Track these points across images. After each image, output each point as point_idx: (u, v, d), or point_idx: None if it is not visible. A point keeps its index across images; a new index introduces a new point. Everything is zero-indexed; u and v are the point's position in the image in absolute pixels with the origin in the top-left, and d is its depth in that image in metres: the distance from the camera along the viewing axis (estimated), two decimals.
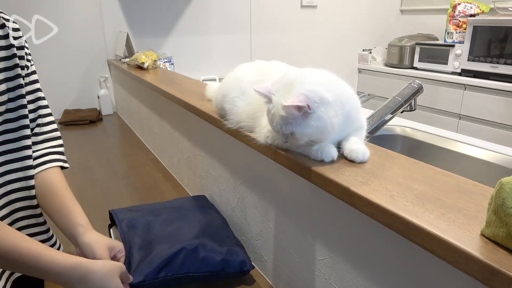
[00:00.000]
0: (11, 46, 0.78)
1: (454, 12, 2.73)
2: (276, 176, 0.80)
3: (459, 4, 2.71)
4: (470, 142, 1.29)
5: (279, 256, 0.83)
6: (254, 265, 0.89)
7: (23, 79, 0.81)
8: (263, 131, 0.75)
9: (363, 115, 0.74)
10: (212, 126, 1.01)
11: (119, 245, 0.84)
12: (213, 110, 1.00)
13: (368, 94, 1.23)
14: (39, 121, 0.87)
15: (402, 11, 3.53)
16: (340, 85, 0.68)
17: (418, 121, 1.51)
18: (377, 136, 1.45)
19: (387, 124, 1.45)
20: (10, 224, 0.80)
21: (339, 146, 0.69)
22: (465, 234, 0.44)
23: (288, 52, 3.04)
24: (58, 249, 0.92)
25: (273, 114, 0.64)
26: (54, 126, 0.91)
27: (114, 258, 0.81)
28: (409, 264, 0.52)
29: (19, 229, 0.83)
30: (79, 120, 2.20)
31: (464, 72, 2.67)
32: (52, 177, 0.84)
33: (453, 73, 2.75)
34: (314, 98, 0.61)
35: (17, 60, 0.79)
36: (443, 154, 1.33)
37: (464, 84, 2.63)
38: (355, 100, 0.71)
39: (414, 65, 3.05)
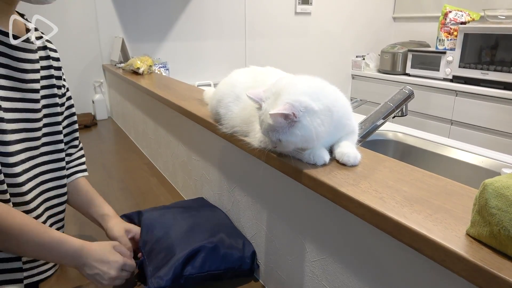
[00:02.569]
0: (50, 66, 0.92)
1: (446, 19, 2.78)
2: (269, 179, 0.81)
3: (450, 12, 2.76)
4: (461, 147, 1.31)
5: (272, 258, 0.85)
6: (258, 264, 0.91)
7: (59, 98, 0.94)
8: (257, 135, 0.76)
9: (354, 120, 0.76)
10: (207, 130, 1.02)
11: (134, 228, 0.99)
12: (208, 115, 1.01)
13: (361, 100, 1.25)
14: (73, 143, 1.04)
15: (394, 19, 3.58)
16: (329, 93, 0.68)
17: (410, 126, 1.54)
18: (370, 141, 1.48)
19: (379, 129, 1.48)
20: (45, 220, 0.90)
21: (331, 150, 0.71)
22: (452, 233, 0.46)
23: (283, 58, 3.07)
24: None
25: (262, 120, 0.66)
26: (81, 147, 1.10)
27: (132, 239, 0.97)
28: (399, 263, 0.54)
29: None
30: None
31: (456, 79, 2.71)
32: (81, 183, 1.03)
33: (444, 79, 2.80)
34: (300, 107, 0.62)
35: (54, 81, 0.92)
36: (434, 159, 1.36)
37: (455, 90, 2.67)
38: (346, 106, 0.73)
39: (407, 72, 3.09)
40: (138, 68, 1.90)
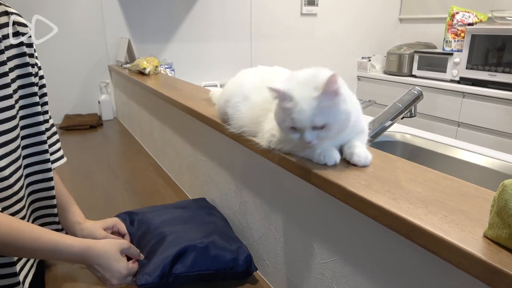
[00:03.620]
0: (21, 44, 0.82)
1: (453, 21, 2.76)
2: (278, 180, 0.80)
3: (457, 13, 2.74)
4: (470, 149, 1.30)
5: (281, 260, 0.84)
6: (256, 267, 0.90)
7: (34, 78, 0.85)
8: (265, 135, 0.76)
9: (364, 119, 0.75)
10: (214, 130, 1.01)
11: (111, 222, 0.98)
12: (215, 115, 1.00)
13: (369, 100, 1.24)
14: (46, 125, 0.91)
15: (401, 20, 3.57)
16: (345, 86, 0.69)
17: (417, 128, 1.52)
18: (378, 142, 1.46)
19: (388, 130, 1.46)
20: (30, 214, 0.88)
21: (341, 150, 0.70)
22: (468, 235, 0.44)
23: (288, 59, 3.06)
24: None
25: (300, 110, 0.61)
26: (54, 129, 0.98)
27: (114, 233, 0.97)
28: (412, 266, 0.52)
29: (37, 218, 0.91)
30: (80, 125, 2.21)
31: (463, 80, 2.69)
32: (57, 177, 0.95)
33: (451, 81, 2.78)
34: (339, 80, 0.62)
35: (27, 59, 0.83)
36: (442, 160, 1.34)
37: (462, 92, 2.65)
38: (357, 104, 0.72)
39: (413, 73, 3.07)
40: (144, 69, 1.90)
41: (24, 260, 0.83)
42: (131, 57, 2.24)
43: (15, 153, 0.79)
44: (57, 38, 2.23)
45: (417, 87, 1.19)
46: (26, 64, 0.82)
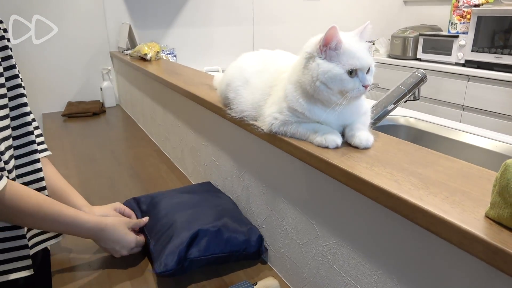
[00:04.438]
0: (2, 37, 0.79)
1: (458, 2, 2.71)
2: (280, 163, 0.80)
3: None
4: (474, 132, 1.29)
5: (283, 243, 0.84)
6: (266, 248, 0.91)
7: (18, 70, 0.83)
8: (267, 119, 0.75)
9: (366, 101, 0.74)
10: (216, 115, 1.01)
11: (117, 205, 1.02)
12: (217, 100, 1.00)
13: (373, 83, 1.22)
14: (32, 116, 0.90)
15: (405, 2, 3.50)
16: None
17: (422, 112, 1.51)
18: (381, 126, 1.45)
19: (391, 114, 1.45)
20: None
21: (343, 133, 0.70)
22: (470, 216, 0.44)
23: (291, 43, 3.02)
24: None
25: (358, 48, 0.65)
26: (36, 123, 0.93)
27: (123, 214, 1.01)
28: (414, 246, 0.52)
29: None
30: (82, 112, 2.21)
31: (468, 63, 2.65)
32: (45, 169, 0.92)
33: (456, 64, 2.74)
34: None
35: (10, 52, 0.81)
36: (446, 144, 1.33)
37: (467, 75, 2.61)
38: None
39: (418, 56, 3.03)
40: (146, 54, 1.89)
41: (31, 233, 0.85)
42: (132, 43, 2.23)
43: (8, 141, 0.79)
44: (57, 26, 2.22)
45: (421, 70, 1.17)
46: (9, 57, 0.80)
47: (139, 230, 0.97)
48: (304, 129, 0.70)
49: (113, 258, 0.92)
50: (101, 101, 2.42)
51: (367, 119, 0.74)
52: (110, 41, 2.40)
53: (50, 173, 0.95)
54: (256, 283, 0.78)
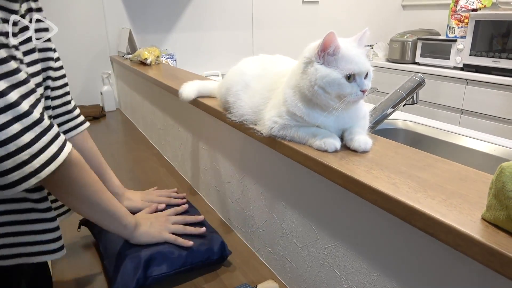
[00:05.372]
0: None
1: (456, 6, 2.73)
2: (280, 167, 0.81)
3: None
4: (472, 135, 1.30)
5: (283, 246, 0.85)
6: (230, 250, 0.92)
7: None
8: (267, 123, 0.76)
9: (365, 106, 0.75)
10: (216, 119, 1.02)
11: (150, 194, 1.07)
12: (217, 104, 1.01)
13: (371, 88, 1.23)
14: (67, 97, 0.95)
15: (404, 7, 3.53)
16: None
17: (420, 116, 1.52)
18: (380, 129, 1.46)
19: (390, 118, 1.46)
20: None
21: (341, 137, 0.70)
22: (466, 218, 0.45)
23: (290, 47, 3.04)
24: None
25: (356, 54, 0.66)
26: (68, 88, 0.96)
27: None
28: (412, 249, 0.53)
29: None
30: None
31: (466, 67, 2.67)
32: (85, 143, 0.96)
33: (455, 68, 2.75)
34: None
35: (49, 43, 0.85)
36: (445, 147, 1.34)
37: (466, 79, 2.63)
38: None
39: (416, 60, 3.05)
40: (146, 59, 1.90)
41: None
42: (132, 47, 2.24)
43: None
44: (58, 30, 2.23)
45: (419, 74, 1.18)
46: (48, 49, 0.86)
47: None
48: (303, 133, 0.70)
49: None
50: (101, 105, 2.43)
51: (366, 123, 0.74)
52: (110, 46, 2.41)
53: (91, 147, 0.98)
54: (256, 286, 0.79)
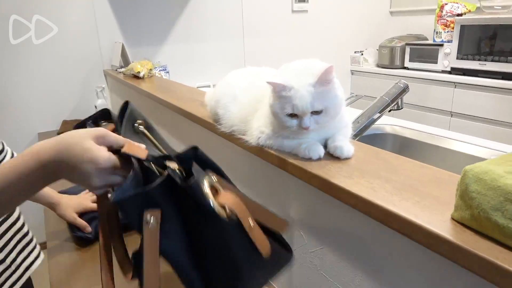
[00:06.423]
0: None
1: (442, 12, 2.79)
2: (268, 175, 0.84)
3: (446, 4, 2.77)
4: (459, 138, 1.33)
5: None
6: None
7: None
8: (254, 133, 0.79)
9: (347, 115, 0.78)
10: (206, 130, 1.05)
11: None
12: (207, 115, 1.04)
13: (356, 95, 1.28)
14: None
15: (391, 13, 3.60)
16: None
17: (410, 119, 1.56)
18: (368, 135, 1.50)
19: (378, 123, 1.50)
20: None
21: (325, 145, 0.74)
22: (437, 218, 0.48)
23: (281, 55, 3.09)
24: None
25: (301, 96, 0.66)
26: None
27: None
28: (389, 249, 0.56)
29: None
30: None
31: (454, 70, 2.72)
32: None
33: (443, 71, 2.81)
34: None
35: None
36: (433, 151, 1.38)
37: (454, 82, 2.68)
38: (343, 99, 0.76)
39: (405, 65, 3.11)
40: (139, 72, 1.94)
41: None
42: (125, 61, 2.28)
43: None
44: (51, 45, 2.27)
45: (402, 80, 1.22)
46: None
47: None
48: (288, 142, 0.74)
49: None
50: None
51: (348, 131, 0.78)
52: (103, 60, 2.45)
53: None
54: None
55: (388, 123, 1.53)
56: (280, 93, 0.68)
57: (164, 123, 1.52)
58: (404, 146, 1.49)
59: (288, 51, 3.13)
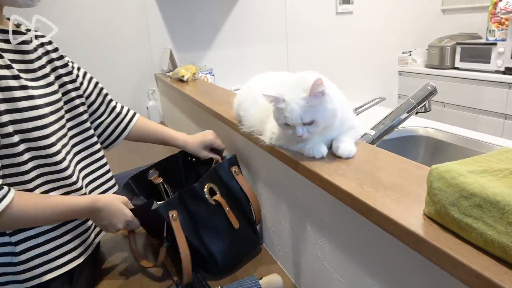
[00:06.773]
0: (51, 60, 0.99)
1: (495, 9, 2.65)
2: (280, 172, 0.91)
3: (500, 1, 2.63)
4: (495, 142, 1.30)
5: (287, 243, 0.94)
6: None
7: (71, 84, 1.03)
8: (267, 133, 0.87)
9: (354, 116, 0.83)
10: (233, 130, 1.14)
11: (209, 140, 1.20)
12: (233, 116, 1.13)
13: (379, 98, 1.29)
14: (111, 104, 1.22)
15: (443, 11, 3.46)
16: (332, 85, 0.78)
17: (462, 122, 1.52)
18: (399, 137, 1.50)
19: (410, 125, 1.50)
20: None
21: (330, 144, 0.79)
22: (411, 213, 0.52)
23: (325, 58, 3.11)
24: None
25: (291, 109, 0.72)
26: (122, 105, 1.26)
27: (213, 150, 1.19)
28: (372, 241, 0.61)
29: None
30: None
31: (508, 71, 2.57)
32: (143, 126, 1.25)
33: (496, 71, 2.66)
34: (325, 82, 0.72)
35: (60, 71, 1.00)
36: (464, 155, 1.35)
37: (508, 83, 2.54)
38: (346, 101, 0.81)
39: (456, 65, 2.98)
40: (183, 76, 2.08)
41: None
42: (173, 65, 2.44)
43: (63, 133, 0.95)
44: (108, 51, 2.50)
45: (430, 83, 1.22)
46: (60, 76, 1.00)
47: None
48: (295, 141, 0.80)
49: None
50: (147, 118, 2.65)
51: (355, 132, 0.82)
52: (154, 64, 2.64)
53: (150, 126, 1.25)
54: (262, 278, 0.89)
55: (420, 125, 1.52)
56: (276, 104, 0.75)
57: (201, 123, 1.63)
58: (438, 149, 1.47)
59: (332, 53, 3.14)
